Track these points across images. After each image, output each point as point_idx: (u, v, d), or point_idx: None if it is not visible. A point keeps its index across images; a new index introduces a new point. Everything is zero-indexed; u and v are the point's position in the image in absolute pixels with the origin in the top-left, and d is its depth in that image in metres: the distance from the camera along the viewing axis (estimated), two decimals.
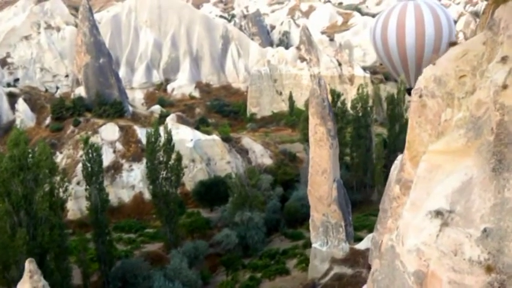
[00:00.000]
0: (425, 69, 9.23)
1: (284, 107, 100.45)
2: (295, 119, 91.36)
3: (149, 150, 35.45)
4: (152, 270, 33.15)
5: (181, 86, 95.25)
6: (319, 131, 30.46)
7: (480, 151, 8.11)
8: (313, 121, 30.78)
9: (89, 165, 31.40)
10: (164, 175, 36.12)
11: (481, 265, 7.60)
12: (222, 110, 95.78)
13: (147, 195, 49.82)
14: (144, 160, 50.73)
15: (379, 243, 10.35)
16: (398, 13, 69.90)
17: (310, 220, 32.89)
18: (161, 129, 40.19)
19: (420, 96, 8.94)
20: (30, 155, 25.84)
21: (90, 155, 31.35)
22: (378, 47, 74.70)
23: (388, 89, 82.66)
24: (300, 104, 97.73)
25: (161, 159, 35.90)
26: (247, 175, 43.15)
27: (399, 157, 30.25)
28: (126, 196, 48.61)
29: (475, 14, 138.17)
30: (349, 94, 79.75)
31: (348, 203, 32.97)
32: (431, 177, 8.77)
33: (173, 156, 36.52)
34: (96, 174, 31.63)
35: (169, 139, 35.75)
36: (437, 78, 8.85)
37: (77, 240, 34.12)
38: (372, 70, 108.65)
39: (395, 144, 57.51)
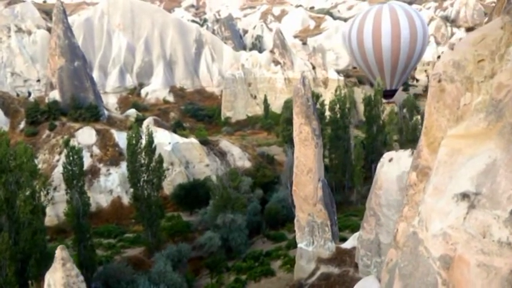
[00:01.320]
0: (443, 54, 9.21)
1: (259, 110, 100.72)
2: (270, 122, 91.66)
3: (130, 153, 34.83)
4: (135, 274, 32.53)
5: (155, 90, 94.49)
6: (304, 130, 30.42)
7: (502, 133, 8.10)
8: (297, 121, 30.73)
9: (69, 168, 30.63)
10: (145, 178, 35.56)
11: (510, 246, 7.57)
12: (197, 114, 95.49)
13: (126, 200, 49.10)
14: (122, 164, 50.15)
15: (394, 232, 10.26)
16: (374, 16, 70.82)
17: (295, 220, 32.80)
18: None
19: (439, 81, 8.90)
20: (12, 157, 25.05)
21: (71, 158, 30.59)
22: (354, 50, 75.51)
23: (363, 92, 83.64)
24: (274, 107, 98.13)
25: (142, 161, 35.32)
26: (228, 177, 42.87)
27: (387, 154, 30.13)
28: (104, 201, 47.71)
29: (445, 19, 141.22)
30: (324, 97, 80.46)
31: (333, 202, 33.05)
32: (453, 161, 8.72)
33: (154, 158, 35.99)
34: (77, 177, 30.88)
35: (150, 141, 35.22)
36: (456, 63, 8.82)
37: (56, 246, 33.26)
38: (345, 73, 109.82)
39: (373, 146, 58.15)
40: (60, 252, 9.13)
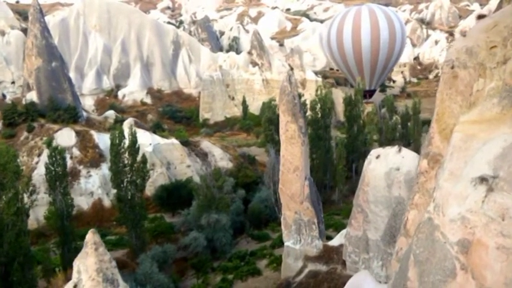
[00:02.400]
0: (455, 41, 9.26)
1: (237, 111, 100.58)
2: (249, 123, 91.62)
3: (113, 153, 34.26)
4: (122, 276, 32.01)
5: (133, 92, 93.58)
6: (290, 128, 30.38)
7: None
8: (284, 118, 30.67)
9: (52, 168, 30.01)
10: (129, 178, 35.05)
11: None
12: (175, 116, 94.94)
13: (107, 202, 48.43)
14: (103, 166, 49.47)
15: (404, 221, 10.26)
16: (353, 17, 71.37)
17: (281, 218, 32.72)
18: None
19: (452, 68, 8.94)
20: None
21: (54, 158, 29.97)
22: (333, 50, 75.95)
23: (341, 93, 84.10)
24: (252, 108, 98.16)
25: (126, 162, 34.82)
26: (212, 177, 42.61)
27: (375, 151, 30.19)
28: (85, 203, 46.92)
29: (421, 21, 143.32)
30: (302, 98, 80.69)
31: (319, 200, 33.11)
32: (467, 146, 8.76)
33: (138, 158, 35.51)
34: (60, 178, 30.27)
35: (134, 141, 34.73)
36: (469, 50, 8.88)
37: (39, 249, 32.68)
38: (323, 75, 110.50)
39: (353, 145, 58.51)
40: (92, 236, 8.84)
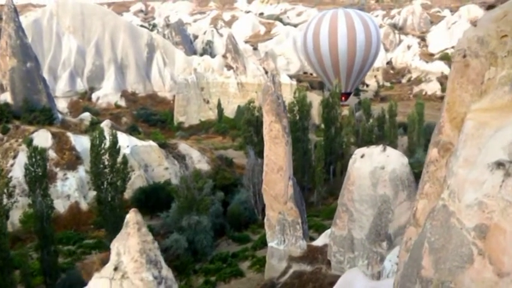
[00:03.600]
0: (466, 31, 9.38)
1: (212, 115, 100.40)
2: (225, 126, 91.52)
3: (94, 154, 33.71)
4: None
5: (107, 94, 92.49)
6: (274, 128, 30.40)
7: None
8: (268, 118, 30.67)
9: (32, 169, 29.31)
10: (109, 180, 34.51)
11: None
12: (149, 119, 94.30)
13: (84, 205, 47.60)
14: (80, 168, 48.62)
15: (413, 211, 10.30)
16: (329, 20, 72.03)
17: (265, 219, 32.68)
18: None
19: (464, 56, 9.04)
20: None
21: (33, 159, 29.27)
22: (310, 53, 76.41)
23: (316, 96, 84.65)
24: (227, 112, 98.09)
25: (106, 163, 34.28)
26: (192, 178, 42.29)
27: (359, 150, 30.39)
28: (62, 206, 45.89)
29: (393, 26, 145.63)
30: None
31: (303, 200, 33.21)
32: (480, 133, 8.84)
33: (118, 160, 35.02)
34: (40, 179, 29.59)
35: (114, 141, 34.25)
36: (480, 39, 9.00)
37: (16, 253, 31.85)
38: (297, 78, 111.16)
39: (331, 147, 58.87)
40: (134, 216, 8.55)
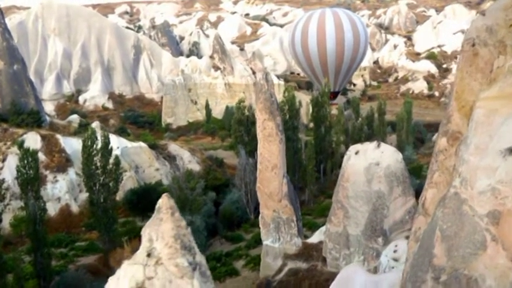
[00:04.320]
0: (475, 20, 9.46)
1: (200, 116, 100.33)
2: (214, 126, 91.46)
3: (86, 155, 33.41)
4: (97, 281, 31.13)
5: (94, 97, 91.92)
6: (268, 126, 30.39)
7: None
8: (261, 117, 30.65)
9: (24, 171, 28.99)
10: (101, 181, 34.24)
11: None
12: (137, 121, 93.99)
13: (75, 208, 47.20)
14: (70, 170, 48.20)
15: (422, 200, 10.36)
16: (318, 19, 72.27)
17: (259, 217, 32.62)
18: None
19: (473, 45, 9.12)
20: None
21: (25, 161, 28.95)
22: (298, 53, 76.56)
23: (304, 96, 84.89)
24: (215, 112, 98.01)
25: (98, 164, 34.01)
26: (184, 178, 42.13)
27: (353, 147, 30.45)
28: (52, 209, 45.35)
29: (379, 26, 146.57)
30: None
31: (297, 198, 33.23)
32: (490, 121, 8.93)
33: (111, 160, 34.74)
34: (32, 181, 29.27)
35: (106, 142, 33.99)
36: (489, 28, 9.09)
37: (9, 257, 31.45)
38: (284, 79, 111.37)
39: (321, 146, 58.98)
40: (167, 201, 8.41)
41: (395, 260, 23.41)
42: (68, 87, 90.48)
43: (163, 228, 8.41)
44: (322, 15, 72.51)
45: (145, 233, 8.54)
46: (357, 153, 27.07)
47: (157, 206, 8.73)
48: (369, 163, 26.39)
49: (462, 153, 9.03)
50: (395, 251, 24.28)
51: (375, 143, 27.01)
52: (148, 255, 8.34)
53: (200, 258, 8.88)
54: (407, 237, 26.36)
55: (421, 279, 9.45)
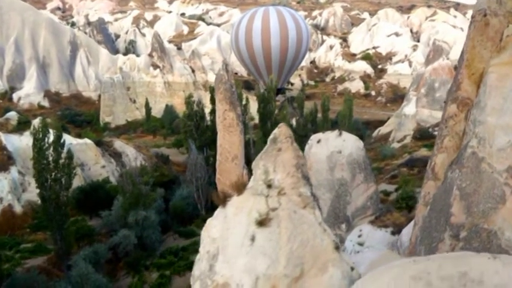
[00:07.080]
0: None
1: (138, 115, 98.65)
2: (155, 124, 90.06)
3: (37, 149, 31.96)
4: (51, 282, 29.90)
5: (29, 94, 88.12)
6: (228, 116, 30.44)
7: None
8: (221, 107, 30.68)
9: None
10: (53, 176, 32.85)
11: None
12: (75, 120, 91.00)
13: (18, 208, 45.04)
14: (12, 169, 45.98)
15: (432, 165, 10.80)
16: (262, 17, 72.78)
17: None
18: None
19: (485, 15, 9.65)
20: None
21: None
22: (242, 49, 76.78)
23: (246, 94, 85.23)
24: (154, 111, 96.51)
25: (50, 158, 32.60)
26: (138, 173, 41.26)
27: (315, 136, 30.85)
28: None
29: (316, 27, 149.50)
30: (205, 100, 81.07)
31: None
32: (503, 84, 9.48)
33: (63, 155, 33.42)
34: None
35: (59, 135, 32.69)
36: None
37: None
38: None
39: (267, 141, 59.47)
40: (285, 130, 8.13)
41: (360, 244, 24.13)
42: (0, 85, 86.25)
43: (283, 158, 8.33)
44: (266, 12, 73.19)
45: (259, 165, 8.43)
46: (318, 141, 27.60)
47: (272, 136, 8.63)
48: (331, 151, 26.98)
49: (476, 116, 9.51)
50: (359, 236, 25.02)
51: (336, 132, 27.67)
52: (269, 186, 8.22)
53: (315, 190, 8.87)
54: (370, 222, 27.27)
55: (438, 238, 9.82)
